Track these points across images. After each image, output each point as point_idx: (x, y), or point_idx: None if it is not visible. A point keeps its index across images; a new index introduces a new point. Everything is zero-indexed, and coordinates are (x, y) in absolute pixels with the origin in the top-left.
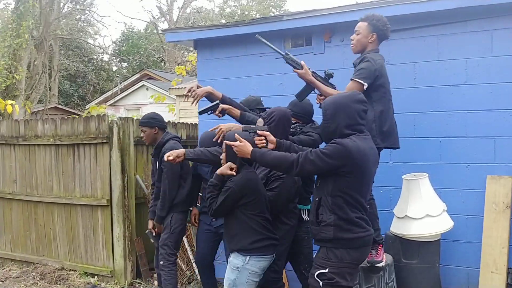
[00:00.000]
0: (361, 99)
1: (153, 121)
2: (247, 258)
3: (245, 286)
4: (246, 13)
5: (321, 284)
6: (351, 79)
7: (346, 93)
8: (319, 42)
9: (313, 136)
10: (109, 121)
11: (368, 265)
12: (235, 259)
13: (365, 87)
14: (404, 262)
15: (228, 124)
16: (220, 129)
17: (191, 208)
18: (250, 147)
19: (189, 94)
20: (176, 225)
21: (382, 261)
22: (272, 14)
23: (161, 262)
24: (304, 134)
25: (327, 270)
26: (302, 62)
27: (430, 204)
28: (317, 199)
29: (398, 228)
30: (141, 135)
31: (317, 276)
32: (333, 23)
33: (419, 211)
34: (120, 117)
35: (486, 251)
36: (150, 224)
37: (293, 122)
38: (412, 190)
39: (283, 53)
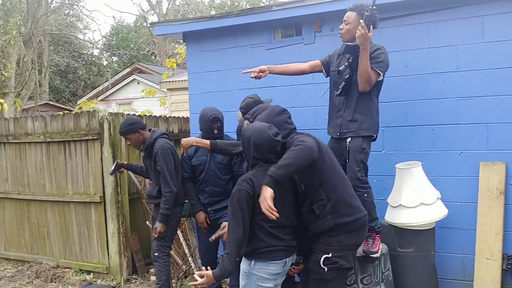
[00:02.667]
0: (281, 110)
1: (134, 126)
2: (252, 262)
3: None
4: (236, 3)
5: (326, 269)
6: (372, 68)
7: (267, 112)
8: (309, 32)
9: None
10: (100, 117)
11: (364, 254)
12: (243, 264)
13: (380, 78)
14: (399, 251)
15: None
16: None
17: (186, 201)
18: None
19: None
20: (171, 218)
21: (378, 252)
22: (262, 4)
23: (156, 254)
24: None
25: (330, 255)
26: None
27: (424, 193)
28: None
29: (392, 217)
30: (128, 143)
31: (322, 262)
32: (323, 12)
33: (413, 199)
34: (110, 113)
35: (481, 237)
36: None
37: None
38: (405, 179)
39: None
